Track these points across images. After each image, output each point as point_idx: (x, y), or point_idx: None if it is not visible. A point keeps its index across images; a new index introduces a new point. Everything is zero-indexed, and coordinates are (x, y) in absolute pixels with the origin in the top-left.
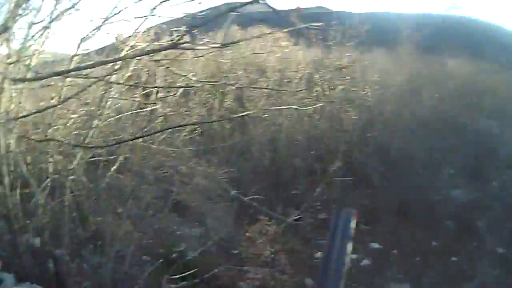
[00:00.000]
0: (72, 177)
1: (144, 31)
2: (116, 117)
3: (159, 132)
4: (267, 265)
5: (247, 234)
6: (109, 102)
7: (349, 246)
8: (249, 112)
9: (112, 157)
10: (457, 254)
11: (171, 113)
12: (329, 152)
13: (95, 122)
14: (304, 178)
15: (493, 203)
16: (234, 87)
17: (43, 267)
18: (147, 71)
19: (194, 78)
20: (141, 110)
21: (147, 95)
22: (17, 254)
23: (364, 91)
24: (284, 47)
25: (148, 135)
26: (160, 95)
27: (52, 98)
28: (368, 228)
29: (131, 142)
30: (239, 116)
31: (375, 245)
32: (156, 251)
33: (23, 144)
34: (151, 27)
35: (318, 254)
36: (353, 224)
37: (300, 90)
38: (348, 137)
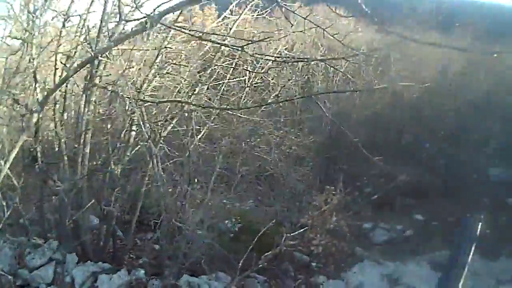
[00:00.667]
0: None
1: None
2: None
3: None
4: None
5: (316, 203)
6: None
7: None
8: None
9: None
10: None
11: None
12: (386, 129)
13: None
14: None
15: None
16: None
17: (102, 246)
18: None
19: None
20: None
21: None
22: (77, 234)
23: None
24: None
25: (256, 106)
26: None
27: None
28: (414, 202)
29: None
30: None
31: (419, 217)
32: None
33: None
34: None
35: (366, 225)
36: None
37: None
38: (404, 115)
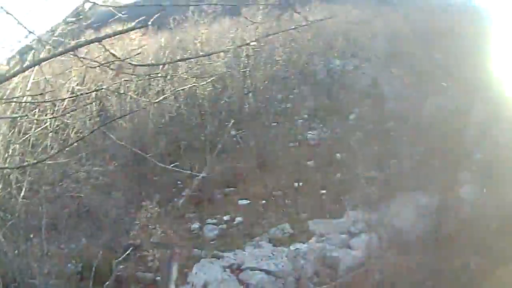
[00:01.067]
0: None
1: None
2: None
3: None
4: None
5: (137, 222)
6: None
7: None
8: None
9: None
10: (324, 188)
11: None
12: (188, 129)
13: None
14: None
15: (349, 135)
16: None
17: None
18: None
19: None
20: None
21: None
22: None
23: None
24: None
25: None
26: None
27: None
28: (235, 189)
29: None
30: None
31: (244, 202)
32: None
33: None
34: None
35: (195, 225)
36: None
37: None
38: (201, 109)
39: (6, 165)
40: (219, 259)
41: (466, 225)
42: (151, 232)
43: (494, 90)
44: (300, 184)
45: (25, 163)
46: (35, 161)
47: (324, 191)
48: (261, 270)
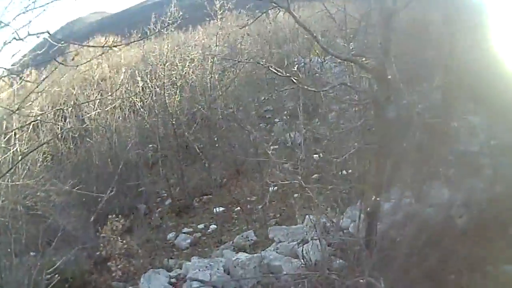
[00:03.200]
0: None
1: None
2: None
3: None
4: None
5: (102, 234)
6: None
7: None
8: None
9: None
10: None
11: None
12: (162, 138)
13: None
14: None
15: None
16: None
17: None
18: None
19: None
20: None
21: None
22: None
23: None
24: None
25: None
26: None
27: None
28: (211, 197)
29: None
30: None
31: (220, 209)
32: None
33: None
34: None
35: (170, 235)
36: None
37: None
38: (176, 119)
39: None
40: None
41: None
42: (115, 243)
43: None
44: (275, 188)
45: None
46: None
47: (297, 195)
48: (198, 280)
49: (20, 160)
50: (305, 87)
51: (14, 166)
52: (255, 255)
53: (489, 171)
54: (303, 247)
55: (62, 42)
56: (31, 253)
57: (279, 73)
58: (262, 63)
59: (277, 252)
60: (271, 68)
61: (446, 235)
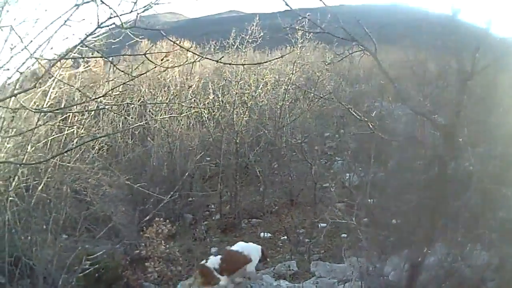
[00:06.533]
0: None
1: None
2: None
3: (70, 149)
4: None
5: (146, 235)
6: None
7: None
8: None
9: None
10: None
11: (84, 134)
12: (223, 154)
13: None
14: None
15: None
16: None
17: None
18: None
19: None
20: (59, 134)
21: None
22: None
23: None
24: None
25: (63, 153)
26: (75, 119)
27: None
28: (261, 221)
29: (52, 161)
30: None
31: (266, 235)
32: None
33: None
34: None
35: (213, 249)
36: None
37: (190, 99)
38: (240, 139)
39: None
40: None
41: None
42: (157, 247)
43: None
44: (325, 225)
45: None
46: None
47: (345, 235)
48: None
49: (81, 144)
50: (379, 134)
51: (77, 146)
52: (296, 285)
53: None
54: (344, 286)
55: (141, 36)
56: (64, 236)
57: (358, 116)
58: (343, 103)
59: (316, 286)
60: (350, 110)
61: None
